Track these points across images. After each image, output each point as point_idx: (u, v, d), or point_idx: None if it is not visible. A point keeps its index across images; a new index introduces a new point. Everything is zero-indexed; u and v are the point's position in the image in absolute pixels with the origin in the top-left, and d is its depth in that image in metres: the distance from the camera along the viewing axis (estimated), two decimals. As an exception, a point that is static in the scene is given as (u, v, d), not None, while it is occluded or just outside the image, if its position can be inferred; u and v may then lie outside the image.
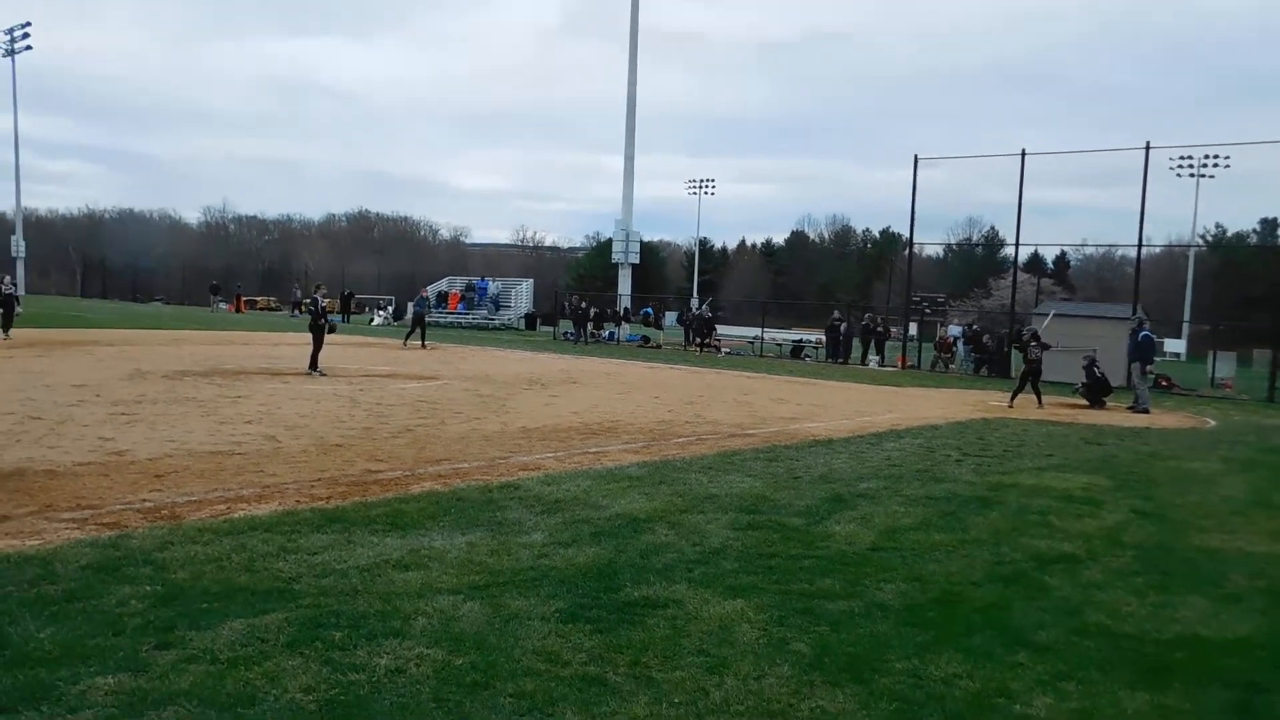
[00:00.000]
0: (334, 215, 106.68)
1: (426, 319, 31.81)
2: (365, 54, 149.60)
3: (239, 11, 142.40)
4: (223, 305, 58.68)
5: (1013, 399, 18.99)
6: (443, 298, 49.92)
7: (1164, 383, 26.00)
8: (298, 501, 7.55)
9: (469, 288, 51.03)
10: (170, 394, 14.27)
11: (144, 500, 7.33)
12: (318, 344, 19.39)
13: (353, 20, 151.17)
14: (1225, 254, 63.60)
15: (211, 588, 5.27)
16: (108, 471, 8.35)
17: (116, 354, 21.44)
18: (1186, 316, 54.84)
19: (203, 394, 14.50)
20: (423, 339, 29.77)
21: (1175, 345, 51.28)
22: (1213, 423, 17.83)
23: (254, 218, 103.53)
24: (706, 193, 78.73)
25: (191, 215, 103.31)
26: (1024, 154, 28.22)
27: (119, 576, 5.38)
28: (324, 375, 18.42)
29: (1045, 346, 19.25)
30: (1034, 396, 18.90)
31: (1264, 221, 63.37)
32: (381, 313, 49.91)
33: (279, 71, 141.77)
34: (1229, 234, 67.73)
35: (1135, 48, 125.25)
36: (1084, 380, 20.07)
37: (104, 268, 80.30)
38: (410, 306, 36.17)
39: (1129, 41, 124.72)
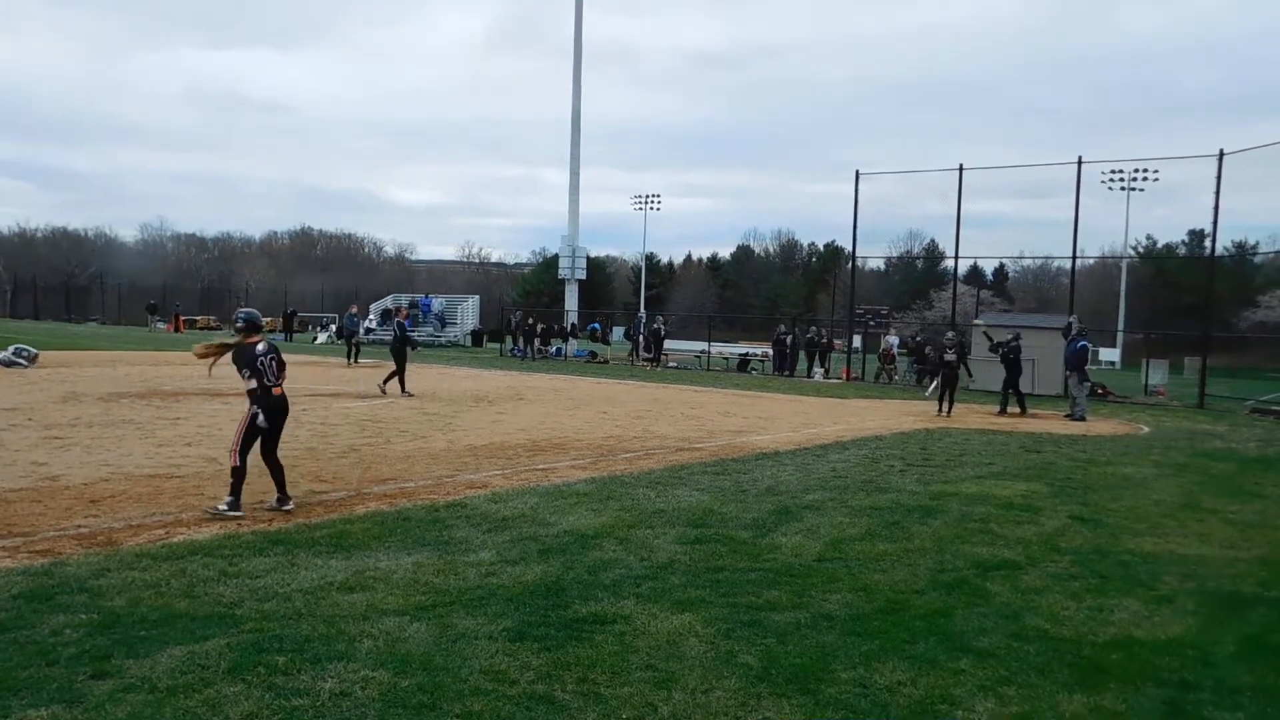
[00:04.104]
0: (275, 232, 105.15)
1: (357, 337, 31.62)
2: (292, 67, 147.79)
3: (156, 23, 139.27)
4: (161, 325, 57.34)
5: (949, 409, 19.32)
6: (387, 315, 49.39)
7: (1100, 390, 26.66)
8: (239, 524, 7.42)
9: (413, 305, 50.54)
10: (106, 416, 13.94)
11: (79, 526, 7.16)
12: (400, 365, 19.56)
13: (277, 32, 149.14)
14: (1156, 264, 65.36)
15: (150, 615, 5.16)
16: (41, 497, 8.13)
17: (49, 376, 20.86)
18: (1120, 325, 56.25)
19: (140, 416, 14.18)
20: (352, 357, 29.49)
21: (1110, 354, 52.56)
22: (1146, 429, 18.32)
23: (193, 235, 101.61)
24: (652, 208, 79.01)
25: (128, 233, 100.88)
26: (961, 169, 28.82)
27: (53, 605, 5.25)
28: (412, 395, 18.85)
29: (962, 355, 19.72)
30: (949, 403, 19.32)
31: (1192, 233, 65.11)
32: (325, 331, 49.28)
33: (203, 84, 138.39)
34: (1159, 245, 69.72)
35: (1063, 65, 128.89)
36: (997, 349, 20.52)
37: (35, 287, 78.19)
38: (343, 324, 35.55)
39: (1057, 59, 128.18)
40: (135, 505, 7.98)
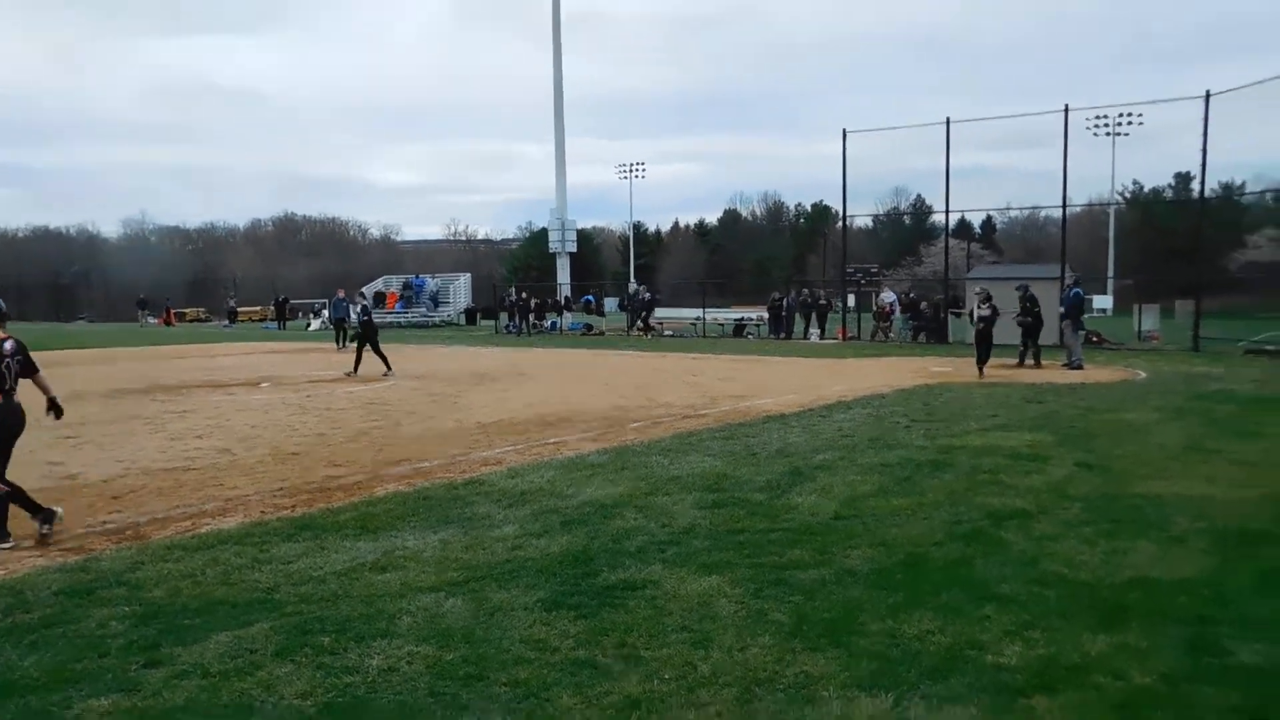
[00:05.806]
0: (259, 220, 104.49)
1: (347, 322, 31.44)
2: (257, 54, 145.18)
3: (114, 10, 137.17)
4: (151, 319, 57.14)
5: (981, 368, 18.59)
6: (380, 298, 49.31)
7: (1094, 338, 26.81)
8: (263, 512, 7.52)
9: (406, 286, 50.49)
10: (113, 413, 13.99)
11: (105, 522, 7.25)
12: (367, 346, 20.02)
13: (237, 16, 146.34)
14: (1143, 209, 65.40)
15: (191, 603, 5.26)
16: (63, 496, 8.18)
17: (48, 375, 20.79)
18: (1111, 272, 56.47)
19: (146, 411, 14.23)
20: (341, 342, 29.09)
21: (1102, 301, 52.82)
22: (1143, 374, 18.48)
23: (176, 228, 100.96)
24: (637, 176, 78.85)
25: (110, 229, 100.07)
26: (949, 122, 28.74)
27: (94, 599, 5.35)
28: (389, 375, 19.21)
29: (995, 311, 19.16)
30: (999, 361, 18.63)
31: (1178, 176, 65.21)
32: (318, 318, 49.16)
33: (168, 73, 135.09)
34: (1146, 190, 69.74)
35: (1043, 10, 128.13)
36: (1019, 316, 20.40)
37: (20, 288, 77.75)
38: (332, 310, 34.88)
39: (1035, 7, 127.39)
40: (157, 499, 8.06)
